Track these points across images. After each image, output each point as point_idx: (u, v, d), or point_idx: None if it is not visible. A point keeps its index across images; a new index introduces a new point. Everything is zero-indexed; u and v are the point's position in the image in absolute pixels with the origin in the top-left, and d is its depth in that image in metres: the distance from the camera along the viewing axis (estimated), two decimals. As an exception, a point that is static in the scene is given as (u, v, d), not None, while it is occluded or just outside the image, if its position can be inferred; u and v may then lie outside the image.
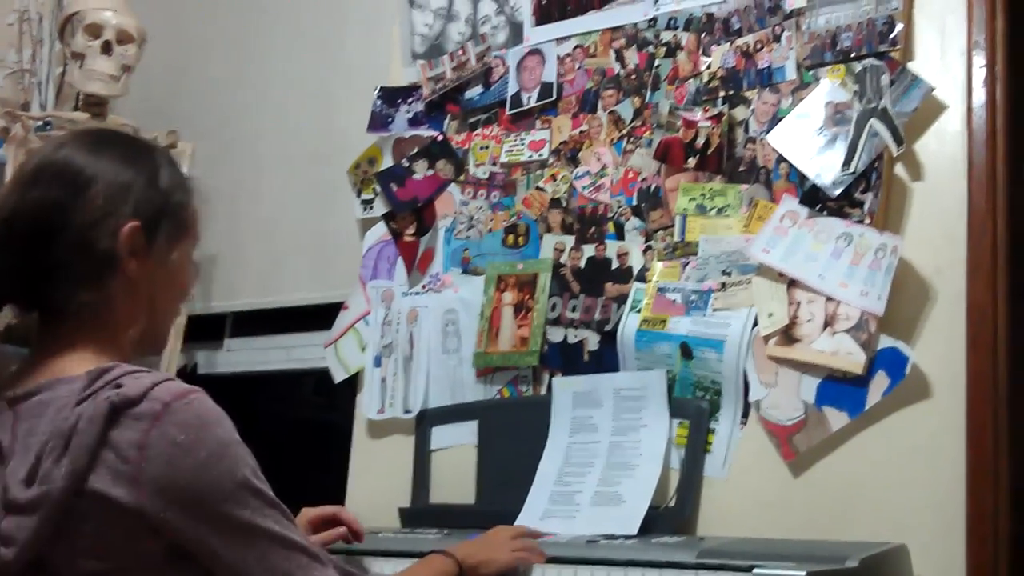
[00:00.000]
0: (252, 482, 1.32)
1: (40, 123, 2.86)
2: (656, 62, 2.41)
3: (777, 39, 2.26)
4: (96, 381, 1.31)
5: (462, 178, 2.63)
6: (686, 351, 2.19)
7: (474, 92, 2.66)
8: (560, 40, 2.55)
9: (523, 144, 2.57)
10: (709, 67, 2.33)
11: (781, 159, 2.20)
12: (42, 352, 1.41)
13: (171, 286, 1.50)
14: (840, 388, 2.04)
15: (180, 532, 1.28)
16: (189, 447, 1.27)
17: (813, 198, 2.14)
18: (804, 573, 1.56)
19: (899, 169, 2.10)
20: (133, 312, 1.44)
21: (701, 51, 2.35)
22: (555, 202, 2.48)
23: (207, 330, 3.11)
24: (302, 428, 3.26)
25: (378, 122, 2.75)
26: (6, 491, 1.30)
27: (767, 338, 2.11)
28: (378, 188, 2.71)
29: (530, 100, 2.57)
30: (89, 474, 1.26)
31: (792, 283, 2.12)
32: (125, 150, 1.47)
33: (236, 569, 1.31)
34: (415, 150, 2.69)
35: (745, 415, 2.14)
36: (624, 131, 2.43)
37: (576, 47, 2.53)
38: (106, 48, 2.84)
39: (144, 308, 1.46)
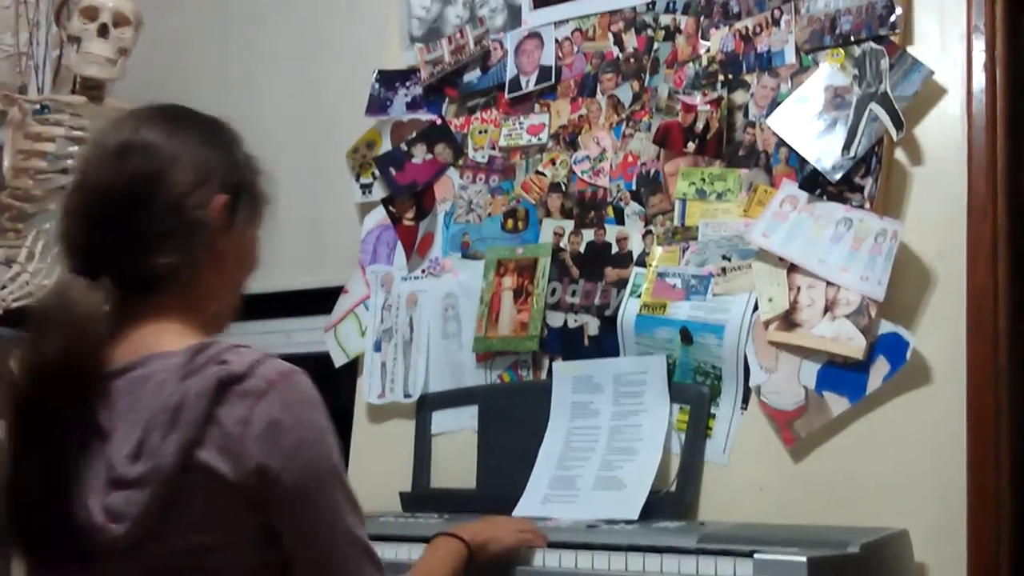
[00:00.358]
0: (341, 473, 1.35)
1: (37, 106, 2.84)
2: (655, 46, 2.40)
3: (776, 23, 2.25)
4: (197, 356, 1.33)
5: (461, 162, 2.63)
6: (686, 336, 2.19)
7: (472, 76, 2.66)
8: (558, 23, 2.54)
9: (522, 128, 2.56)
10: (708, 51, 2.33)
11: (781, 143, 2.20)
12: (126, 326, 1.39)
13: (246, 262, 1.53)
14: (841, 373, 2.04)
15: (273, 509, 1.31)
16: (291, 426, 1.30)
17: (813, 183, 2.14)
18: (805, 558, 1.56)
19: (899, 153, 2.10)
20: (216, 286, 1.46)
21: (700, 35, 2.35)
22: (554, 186, 2.48)
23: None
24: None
25: (376, 106, 2.75)
26: (111, 468, 1.30)
27: (767, 323, 2.11)
28: (377, 172, 2.71)
29: (529, 84, 2.56)
30: (197, 448, 1.28)
31: (792, 268, 2.12)
32: (204, 126, 1.50)
33: (307, 553, 1.33)
34: (414, 134, 2.68)
35: (745, 400, 2.15)
36: (623, 115, 2.42)
37: (575, 30, 2.52)
38: (102, 31, 2.82)
39: (223, 284, 1.48)
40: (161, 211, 1.40)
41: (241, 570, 1.32)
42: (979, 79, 2.05)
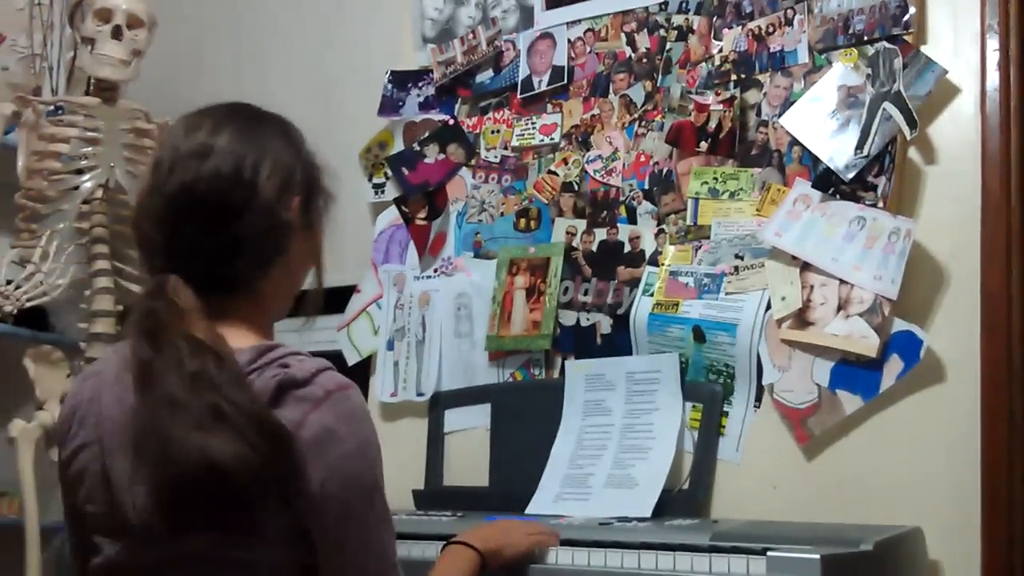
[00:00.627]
0: (381, 488, 1.37)
1: (51, 107, 2.85)
2: (668, 45, 2.41)
3: (789, 22, 2.25)
4: (261, 357, 1.34)
5: (473, 162, 2.63)
6: (699, 334, 2.19)
7: (485, 76, 2.66)
8: (571, 24, 2.55)
9: (534, 128, 2.57)
10: (721, 50, 2.33)
11: (794, 142, 2.20)
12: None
13: (313, 261, 1.54)
14: (854, 371, 2.04)
15: (310, 514, 1.31)
16: (342, 436, 1.31)
17: (826, 182, 2.14)
18: (818, 556, 1.56)
19: (912, 153, 2.10)
20: (284, 286, 1.48)
21: (713, 34, 2.35)
22: (567, 186, 2.48)
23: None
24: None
25: (389, 106, 2.75)
26: None
27: (780, 321, 2.11)
28: (389, 172, 2.72)
29: (541, 84, 2.57)
30: None
31: (805, 266, 2.12)
32: (279, 128, 1.51)
33: (334, 561, 1.33)
34: (426, 134, 2.69)
35: (759, 398, 2.15)
36: (636, 115, 2.43)
37: (587, 30, 2.52)
38: (116, 33, 2.83)
39: (294, 282, 1.50)
40: (256, 216, 1.40)
41: (272, 566, 1.33)
42: (993, 78, 2.05)
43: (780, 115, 2.22)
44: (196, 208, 1.39)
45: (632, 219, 2.38)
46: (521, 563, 1.77)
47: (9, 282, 2.72)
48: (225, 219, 1.39)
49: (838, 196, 2.12)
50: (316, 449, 1.30)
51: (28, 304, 2.72)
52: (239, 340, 1.38)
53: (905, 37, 2.12)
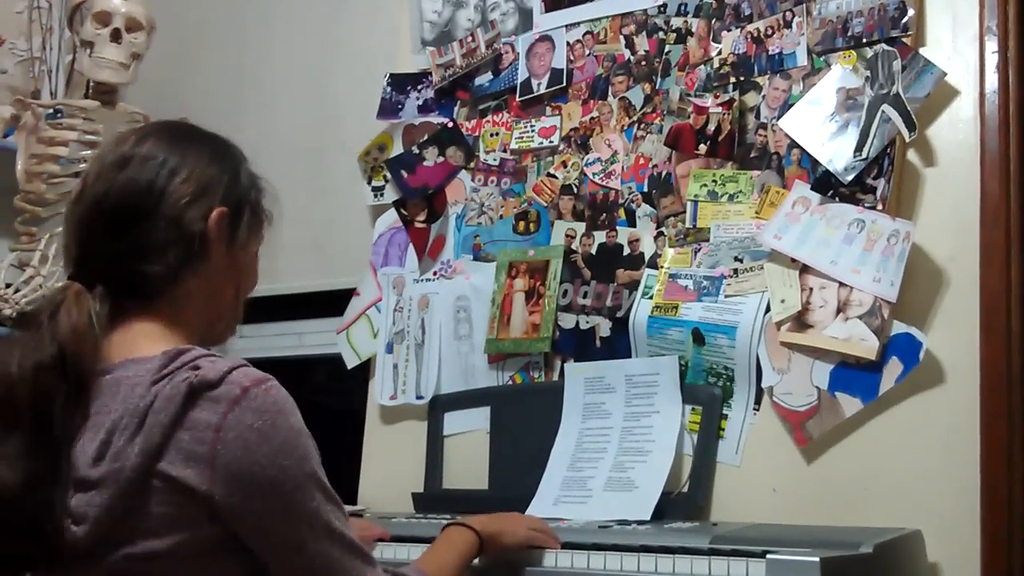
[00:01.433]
0: (319, 475, 1.34)
1: (50, 111, 2.86)
2: (666, 48, 2.41)
3: (788, 25, 2.25)
4: (172, 362, 1.33)
5: (472, 165, 2.63)
6: (698, 337, 2.19)
7: (484, 79, 2.66)
8: (570, 26, 2.55)
9: (533, 131, 2.57)
10: (720, 53, 2.33)
11: (793, 145, 2.20)
12: (116, 330, 1.41)
13: (243, 278, 1.54)
14: (853, 374, 2.04)
15: (244, 519, 1.29)
16: (265, 433, 1.29)
17: (825, 184, 2.14)
18: (818, 559, 1.55)
19: (911, 155, 2.10)
20: (208, 299, 1.47)
21: (711, 37, 2.35)
22: (566, 188, 2.48)
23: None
24: (314, 414, 3.25)
25: (388, 109, 2.75)
26: (76, 469, 1.30)
27: (779, 324, 2.11)
28: (388, 175, 2.72)
29: (540, 87, 2.57)
30: (162, 454, 1.27)
31: (804, 269, 2.12)
32: (208, 143, 1.51)
33: (293, 562, 1.32)
34: (425, 137, 2.69)
35: (758, 401, 2.15)
36: (635, 117, 2.43)
37: (586, 33, 2.53)
38: (115, 36, 2.83)
39: (217, 296, 1.49)
40: (159, 222, 1.41)
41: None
42: (992, 80, 2.05)
43: (779, 117, 2.22)
44: (105, 214, 1.42)
45: (631, 222, 2.38)
46: (518, 549, 1.77)
47: (8, 285, 2.73)
48: (129, 223, 1.41)
49: (837, 199, 2.12)
50: (242, 451, 1.28)
51: (28, 308, 2.71)
52: (150, 347, 1.38)
53: (904, 39, 2.12)
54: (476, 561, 1.72)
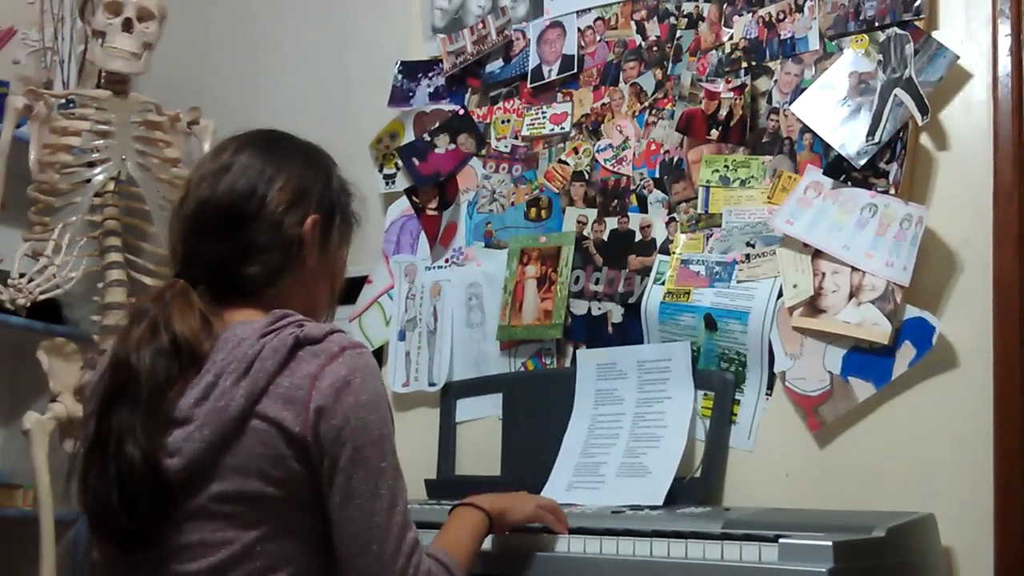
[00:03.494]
0: (392, 442, 1.47)
1: (63, 101, 2.86)
2: (678, 33, 2.40)
3: (800, 9, 2.24)
4: (279, 321, 1.47)
5: (484, 152, 2.63)
6: (710, 323, 2.19)
7: (495, 66, 2.66)
8: (580, 12, 2.55)
9: (544, 117, 2.57)
10: (731, 38, 2.32)
11: (805, 130, 2.19)
12: (217, 326, 1.50)
13: (332, 279, 1.66)
14: (866, 359, 2.04)
15: (325, 460, 1.41)
16: (356, 387, 1.43)
17: (837, 169, 2.14)
18: (830, 543, 1.55)
19: (924, 139, 2.09)
20: (303, 297, 1.58)
21: (723, 22, 2.34)
22: (577, 175, 2.48)
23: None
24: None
25: (399, 97, 2.76)
26: (179, 410, 1.42)
27: (792, 309, 2.11)
28: (400, 163, 2.72)
29: (551, 73, 2.56)
30: (263, 397, 1.41)
31: (817, 254, 2.11)
32: (302, 152, 1.63)
33: (355, 512, 1.41)
34: (436, 124, 2.69)
35: (770, 386, 2.14)
36: (646, 103, 2.42)
37: (597, 19, 2.52)
38: (127, 25, 2.83)
39: (312, 295, 1.60)
40: (260, 227, 1.53)
41: (285, 524, 1.42)
42: (1005, 64, 2.04)
43: (791, 102, 2.21)
44: (209, 218, 1.54)
45: (643, 208, 2.38)
46: (527, 525, 1.79)
47: (22, 275, 2.73)
48: (233, 227, 1.53)
49: (850, 183, 2.12)
50: (332, 399, 1.41)
51: (41, 297, 2.72)
52: (254, 317, 1.50)
53: (916, 23, 2.11)
54: (488, 544, 1.72)
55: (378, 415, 1.44)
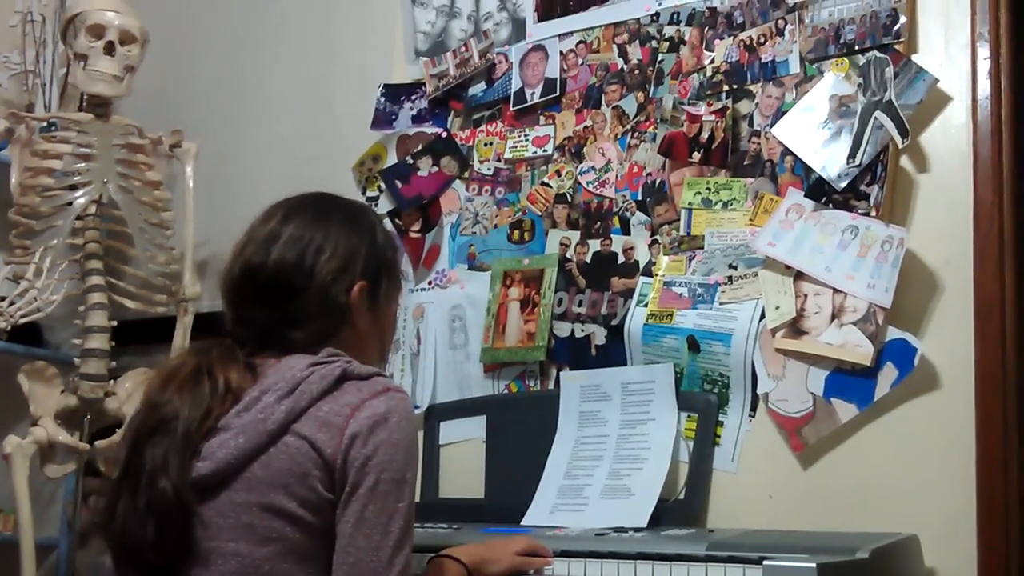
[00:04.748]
0: (414, 487, 1.50)
1: (44, 124, 2.85)
2: (659, 57, 2.41)
3: (780, 33, 2.26)
4: (331, 356, 1.55)
5: (467, 175, 2.64)
6: (693, 344, 2.19)
7: (477, 89, 2.67)
8: (563, 36, 2.56)
9: (527, 140, 2.57)
10: (712, 61, 2.34)
11: (786, 152, 2.21)
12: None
13: (384, 333, 1.73)
14: (848, 380, 2.04)
15: (348, 485, 1.45)
16: (391, 425, 1.48)
17: (818, 191, 2.15)
18: (814, 565, 1.55)
19: (904, 161, 2.11)
20: (355, 355, 1.60)
21: (704, 45, 2.36)
22: (560, 197, 2.49)
23: (212, 327, 3.10)
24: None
25: (382, 119, 2.76)
26: (219, 419, 1.49)
27: (774, 331, 2.11)
28: (383, 185, 2.72)
29: (534, 96, 2.57)
30: (302, 416, 1.47)
31: (799, 276, 2.12)
32: (347, 215, 1.68)
33: (361, 536, 1.44)
34: (419, 147, 2.69)
35: (753, 408, 2.15)
36: (628, 126, 2.43)
37: (579, 43, 2.53)
38: (109, 49, 2.83)
39: (361, 352, 1.63)
40: (309, 297, 1.59)
41: (296, 548, 1.44)
42: (984, 87, 2.06)
43: (772, 125, 2.23)
44: (258, 286, 1.60)
45: (626, 230, 2.39)
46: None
47: (3, 298, 2.72)
48: (281, 297, 1.59)
49: (831, 205, 2.13)
50: (367, 431, 1.46)
51: (22, 320, 2.72)
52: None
53: (896, 46, 2.12)
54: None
55: (406, 457, 1.48)
